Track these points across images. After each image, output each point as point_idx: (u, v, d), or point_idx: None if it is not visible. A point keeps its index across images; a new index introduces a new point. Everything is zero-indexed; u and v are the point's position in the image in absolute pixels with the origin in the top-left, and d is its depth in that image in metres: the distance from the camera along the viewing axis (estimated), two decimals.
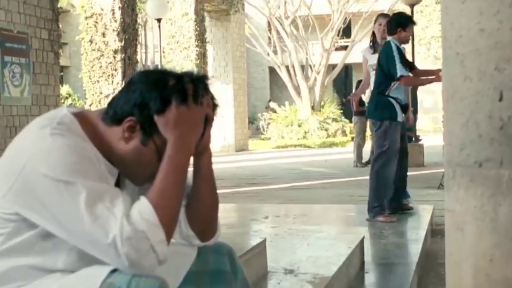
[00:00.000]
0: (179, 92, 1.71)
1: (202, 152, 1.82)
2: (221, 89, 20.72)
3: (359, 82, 14.00)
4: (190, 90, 1.73)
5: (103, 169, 1.72)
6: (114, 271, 1.63)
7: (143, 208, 1.61)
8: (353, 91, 14.56)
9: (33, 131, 1.70)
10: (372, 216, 6.06)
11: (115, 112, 1.73)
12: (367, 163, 13.90)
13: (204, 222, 1.90)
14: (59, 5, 10.63)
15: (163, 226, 1.62)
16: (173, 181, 1.68)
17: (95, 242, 1.58)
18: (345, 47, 28.94)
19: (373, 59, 6.80)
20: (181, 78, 1.74)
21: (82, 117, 1.76)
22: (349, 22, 28.98)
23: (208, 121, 1.78)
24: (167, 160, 1.70)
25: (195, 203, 1.86)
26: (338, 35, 28.05)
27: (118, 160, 1.75)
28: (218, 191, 1.93)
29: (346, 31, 29.07)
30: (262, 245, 3.47)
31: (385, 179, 6.10)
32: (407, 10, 14.09)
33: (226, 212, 6.01)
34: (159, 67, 1.82)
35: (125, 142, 1.72)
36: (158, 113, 1.69)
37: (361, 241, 4.30)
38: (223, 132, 20.77)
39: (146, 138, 1.71)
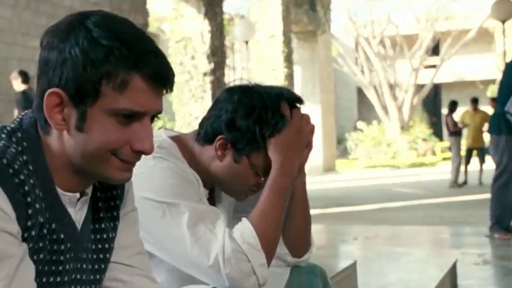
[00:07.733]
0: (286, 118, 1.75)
1: (298, 174, 1.83)
2: (308, 109, 20.67)
3: (452, 102, 13.75)
4: (299, 114, 1.77)
5: (202, 191, 1.76)
6: None
7: (245, 230, 1.64)
8: (444, 111, 14.29)
9: None
10: (490, 233, 6.11)
11: (206, 132, 1.78)
12: (464, 183, 13.64)
13: (295, 241, 1.92)
14: (148, 30, 10.90)
15: (264, 249, 1.64)
16: (275, 204, 1.71)
17: (196, 263, 1.62)
18: (433, 66, 28.41)
19: None
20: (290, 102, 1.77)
21: (179, 141, 1.80)
22: (438, 40, 28.49)
23: (308, 145, 1.83)
24: (271, 183, 1.72)
25: (286, 222, 1.86)
26: (426, 53, 27.61)
27: (215, 178, 1.79)
28: None
29: (434, 50, 28.56)
30: (352, 267, 3.44)
31: (505, 200, 6.03)
32: (498, 26, 13.79)
33: (315, 234, 5.93)
34: (244, 82, 1.85)
35: (219, 160, 1.76)
36: (269, 136, 1.73)
37: (454, 265, 4.20)
38: (311, 152, 20.71)
39: (238, 155, 1.74)
